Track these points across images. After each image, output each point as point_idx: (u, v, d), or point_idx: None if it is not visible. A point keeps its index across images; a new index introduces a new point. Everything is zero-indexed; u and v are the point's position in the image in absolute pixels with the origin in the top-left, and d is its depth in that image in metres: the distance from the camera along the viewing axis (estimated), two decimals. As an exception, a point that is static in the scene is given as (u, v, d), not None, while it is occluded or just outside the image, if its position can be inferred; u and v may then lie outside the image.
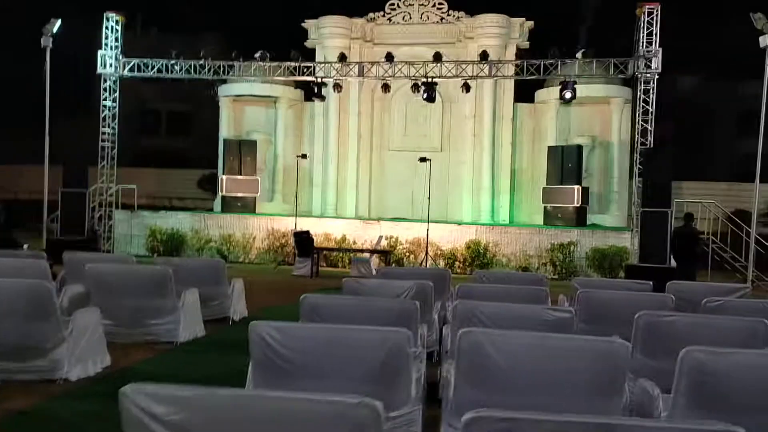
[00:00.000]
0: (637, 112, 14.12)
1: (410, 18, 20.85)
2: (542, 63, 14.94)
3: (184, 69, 15.04)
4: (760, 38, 13.04)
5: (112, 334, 6.30)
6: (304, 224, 16.02)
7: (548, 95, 20.39)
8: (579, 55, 15.30)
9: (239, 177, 19.58)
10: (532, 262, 15.38)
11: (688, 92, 33.05)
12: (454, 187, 20.95)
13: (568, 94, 14.61)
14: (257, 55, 16.45)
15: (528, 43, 20.47)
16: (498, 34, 19.85)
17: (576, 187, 18.31)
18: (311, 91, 20.92)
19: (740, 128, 30.83)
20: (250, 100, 21.59)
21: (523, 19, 20.25)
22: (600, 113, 20.45)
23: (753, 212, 13.71)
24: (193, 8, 32.44)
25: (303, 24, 21.18)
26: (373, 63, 17.36)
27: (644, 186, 12.92)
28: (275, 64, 15.42)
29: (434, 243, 15.65)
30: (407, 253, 15.61)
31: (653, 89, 13.95)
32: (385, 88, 16.29)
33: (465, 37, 20.30)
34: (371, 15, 21.06)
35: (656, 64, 13.71)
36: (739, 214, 22.20)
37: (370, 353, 3.37)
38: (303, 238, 13.94)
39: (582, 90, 19.21)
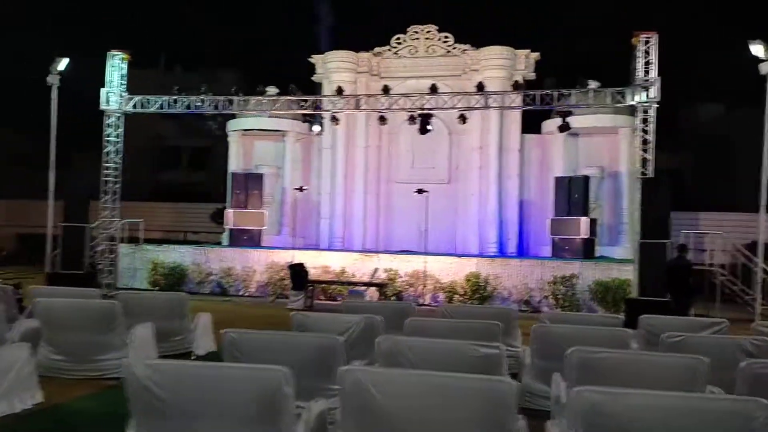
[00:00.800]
0: (637, 143, 13.77)
1: (416, 51, 20.99)
2: (538, 94, 14.75)
3: (184, 105, 15.27)
4: (760, 65, 12.75)
5: (60, 370, 6.24)
6: (303, 257, 15.95)
7: (554, 126, 20.14)
8: (579, 87, 15.09)
9: (245, 210, 19.69)
10: (534, 295, 15.00)
11: (709, 121, 32.44)
12: (462, 219, 20.75)
13: (561, 123, 14.37)
14: (259, 89, 16.67)
15: (534, 74, 20.37)
16: (502, 66, 19.82)
17: (583, 218, 17.95)
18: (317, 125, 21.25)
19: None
20: (259, 135, 21.86)
21: (528, 51, 20.19)
22: (608, 143, 20.13)
23: (759, 243, 13.18)
24: (213, 47, 33.26)
25: (310, 59, 21.46)
26: (369, 95, 17.36)
27: (642, 217, 12.55)
28: (273, 98, 15.54)
29: (434, 276, 15.40)
30: (407, 286, 15.38)
31: (652, 118, 13.64)
32: (382, 120, 16.26)
33: (470, 70, 20.29)
34: (378, 49, 21.27)
35: (654, 92, 13.42)
36: (754, 246, 21.56)
37: (242, 394, 3.22)
38: (297, 271, 13.86)
39: (589, 120, 19.11)
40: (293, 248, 16.29)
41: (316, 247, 20.05)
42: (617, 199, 19.83)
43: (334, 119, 17.63)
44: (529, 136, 20.61)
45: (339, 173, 20.97)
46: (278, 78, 19.08)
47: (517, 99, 15.90)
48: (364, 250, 18.35)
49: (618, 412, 3.16)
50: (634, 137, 19.56)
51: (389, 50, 21.16)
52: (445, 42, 20.85)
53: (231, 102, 15.21)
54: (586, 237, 17.85)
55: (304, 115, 17.64)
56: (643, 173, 13.57)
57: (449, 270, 15.44)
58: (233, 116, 20.58)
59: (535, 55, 20.34)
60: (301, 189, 16.82)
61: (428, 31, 21.01)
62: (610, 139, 20.03)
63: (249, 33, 27.21)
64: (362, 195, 21.09)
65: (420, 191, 14.49)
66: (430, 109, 15.00)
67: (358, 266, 15.79)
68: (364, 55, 20.97)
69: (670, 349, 5.53)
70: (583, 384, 4.34)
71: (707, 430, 3.05)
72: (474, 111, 19.58)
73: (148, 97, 15.53)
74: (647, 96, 13.43)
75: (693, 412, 3.14)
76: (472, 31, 21.22)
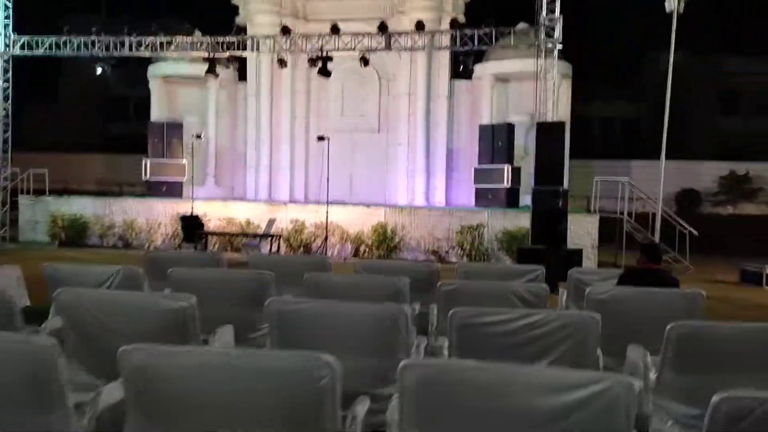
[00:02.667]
0: (548, 86, 13.21)
1: (342, -10, 20.05)
2: (454, 34, 14.03)
3: (75, 46, 14.44)
4: (666, 2, 12.13)
5: None
6: (209, 208, 15.45)
7: (483, 71, 19.52)
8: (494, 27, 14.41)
9: (164, 160, 19.03)
10: (442, 245, 14.65)
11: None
12: (392, 168, 20.24)
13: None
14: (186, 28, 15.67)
15: (464, 17, 19.55)
16: (430, 7, 18.96)
17: (506, 166, 17.49)
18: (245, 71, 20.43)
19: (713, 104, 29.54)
20: (182, 82, 20.98)
21: (456, -9, 19.33)
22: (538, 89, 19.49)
23: (660, 190, 12.83)
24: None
25: (233, 1, 20.46)
26: (305, 36, 16.49)
27: (536, 164, 12.09)
28: (166, 39, 14.65)
29: (341, 226, 14.97)
30: (313, 237, 14.96)
31: (555, 60, 13.04)
32: (365, 62, 15.38)
33: (398, 11, 19.44)
34: (303, -10, 20.31)
35: (557, 33, 12.80)
36: (686, 194, 21.32)
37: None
38: (189, 222, 13.36)
39: (516, 65, 18.45)
40: (200, 199, 15.68)
41: (243, 198, 19.51)
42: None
43: (282, 62, 16.81)
44: (459, 82, 19.95)
45: (264, 121, 20.27)
46: (200, 20, 18.22)
47: (443, 39, 15.18)
48: (271, 201, 17.85)
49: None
50: (563, 82, 19.13)
51: (315, -9, 20.22)
52: (373, -18, 19.92)
53: (122, 44, 14.36)
54: (509, 187, 17.43)
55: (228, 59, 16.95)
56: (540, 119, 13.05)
57: (357, 221, 15.01)
58: (151, 61, 19.80)
59: (464, -5, 19.50)
60: (198, 137, 16.11)
61: (355, -30, 20.03)
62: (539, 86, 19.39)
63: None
64: (288, 144, 20.45)
65: (321, 138, 13.84)
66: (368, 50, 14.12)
67: (265, 218, 15.29)
68: (287, -5, 20.01)
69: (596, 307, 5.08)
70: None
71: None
72: (404, 56, 19.11)
73: (36, 37, 14.65)
74: (551, 36, 12.77)
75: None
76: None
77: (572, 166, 19.75)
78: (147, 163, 18.91)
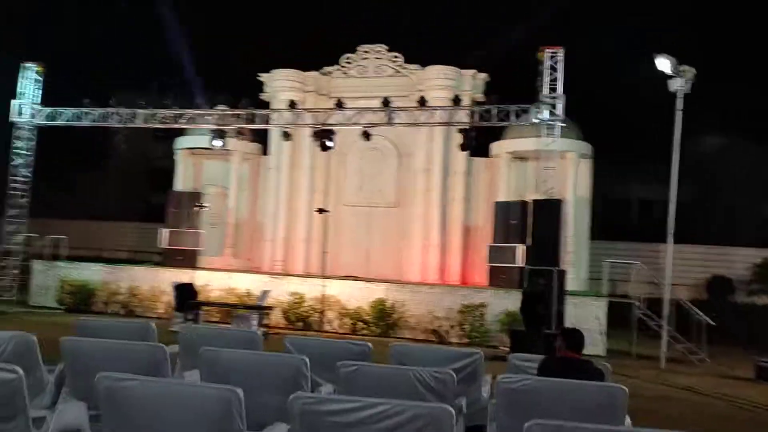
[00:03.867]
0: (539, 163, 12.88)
1: (366, 71, 20.52)
2: (475, 111, 13.92)
3: (91, 118, 15.05)
4: (669, 81, 11.78)
5: None
6: (212, 278, 15.44)
7: (500, 149, 19.36)
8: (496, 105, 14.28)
9: (182, 230, 19.29)
10: (442, 324, 14.06)
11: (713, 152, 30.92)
12: (407, 243, 19.94)
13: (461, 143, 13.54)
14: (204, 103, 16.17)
15: (482, 95, 19.57)
16: (446, 86, 19.10)
17: (519, 246, 16.93)
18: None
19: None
20: (207, 154, 21.53)
21: (475, 71, 19.46)
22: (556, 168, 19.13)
23: (666, 271, 12.07)
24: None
25: (259, 77, 21.16)
26: (310, 110, 16.78)
27: (532, 242, 11.60)
28: (177, 112, 15.08)
29: (340, 301, 14.63)
30: (311, 311, 14.63)
31: (558, 136, 12.74)
32: (366, 135, 15.44)
33: (416, 90, 19.65)
34: (326, 69, 20.87)
35: (560, 110, 12.56)
36: (718, 281, 20.09)
37: None
38: (182, 291, 13.28)
39: (530, 143, 18.21)
40: (208, 269, 15.68)
41: (258, 271, 19.46)
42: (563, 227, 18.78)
43: (286, 135, 17.14)
44: (477, 159, 19.77)
45: (283, 194, 20.46)
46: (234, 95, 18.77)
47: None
48: (274, 273, 17.72)
49: None
50: (581, 161, 18.74)
51: (338, 69, 20.75)
52: (394, 61, 20.35)
53: (135, 116, 14.88)
54: (522, 266, 16.81)
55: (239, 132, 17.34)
56: (544, 198, 12.64)
57: (358, 296, 14.64)
58: (182, 133, 20.46)
59: (483, 75, 19.61)
60: (201, 206, 16.26)
61: (378, 50, 20.54)
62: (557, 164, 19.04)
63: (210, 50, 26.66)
64: (305, 217, 20.50)
65: (320, 210, 13.76)
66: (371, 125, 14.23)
67: (269, 288, 15.09)
68: (311, 74, 20.59)
69: (346, 379, 4.73)
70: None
71: None
72: (421, 131, 19.15)
73: (59, 109, 15.36)
74: (551, 113, 12.53)
75: None
76: (423, 52, 20.65)
77: (594, 248, 19.05)
78: (165, 232, 19.20)
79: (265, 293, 13.75)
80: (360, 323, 14.24)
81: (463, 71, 19.40)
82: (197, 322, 13.14)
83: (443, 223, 19.30)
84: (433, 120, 16.03)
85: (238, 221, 21.35)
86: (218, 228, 21.33)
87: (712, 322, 12.50)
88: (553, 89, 12.64)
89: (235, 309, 13.16)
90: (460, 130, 14.02)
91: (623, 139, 22.07)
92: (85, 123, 15.15)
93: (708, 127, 21.45)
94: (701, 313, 12.59)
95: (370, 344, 6.02)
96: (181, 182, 21.51)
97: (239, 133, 14.76)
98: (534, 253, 11.29)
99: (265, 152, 21.29)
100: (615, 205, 23.46)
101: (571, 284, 17.62)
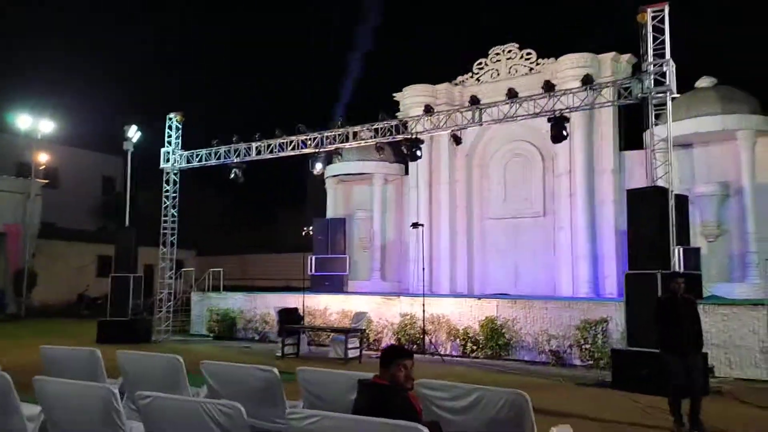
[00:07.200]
0: (650, 145, 10.66)
1: (498, 75, 19.24)
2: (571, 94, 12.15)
3: (218, 155, 16.11)
4: None
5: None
6: (331, 301, 15.40)
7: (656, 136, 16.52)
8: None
9: (327, 256, 19.72)
10: (559, 343, 12.19)
11: None
12: (557, 255, 17.98)
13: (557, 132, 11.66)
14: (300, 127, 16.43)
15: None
16: (578, 76, 16.96)
17: (677, 248, 14.20)
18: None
19: None
20: (353, 180, 21.87)
21: (613, 53, 17.06)
22: (728, 152, 15.84)
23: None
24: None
25: (394, 96, 20.98)
26: (450, 111, 15.98)
27: (629, 241, 9.45)
28: (287, 139, 15.29)
29: (450, 321, 13.50)
30: (420, 333, 13.69)
31: (669, 112, 10.39)
32: (456, 140, 14.51)
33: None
34: (459, 78, 20.01)
35: (669, 79, 10.26)
36: None
37: None
38: (286, 316, 13.32)
39: (688, 126, 15.35)
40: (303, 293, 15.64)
41: (405, 292, 19.04)
42: (742, 222, 15.44)
43: (414, 156, 16.54)
44: (630, 153, 17.21)
45: (423, 212, 19.86)
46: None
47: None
48: (387, 293, 17.02)
49: None
50: (758, 140, 15.34)
51: (471, 77, 19.76)
52: (527, 59, 18.78)
53: (250, 149, 15.57)
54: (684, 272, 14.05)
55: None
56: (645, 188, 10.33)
57: (469, 314, 13.42)
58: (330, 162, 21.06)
59: (626, 56, 17.11)
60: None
61: (509, 51, 19.15)
62: (729, 147, 15.78)
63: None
64: (448, 234, 19.62)
65: (415, 225, 12.92)
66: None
67: (382, 310, 14.60)
68: (441, 86, 19.86)
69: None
70: None
71: None
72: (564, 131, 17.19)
73: (193, 151, 16.71)
74: (663, 83, 10.31)
75: None
76: (555, 43, 18.75)
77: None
78: (312, 258, 19.77)
79: (359, 315, 13.22)
80: (470, 344, 12.96)
81: (601, 56, 17.14)
82: (299, 346, 13.09)
83: (593, 229, 17.05)
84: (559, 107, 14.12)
85: (385, 243, 21.22)
86: (369, 252, 21.43)
87: None
88: (660, 55, 10.37)
89: (335, 332, 12.79)
90: (549, 119, 12.17)
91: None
92: (214, 161, 16.19)
93: None
94: None
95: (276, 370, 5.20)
96: (332, 209, 22.07)
97: (378, 149, 14.37)
98: (634, 255, 9.18)
99: (406, 172, 20.96)
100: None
101: (759, 291, 14.46)
